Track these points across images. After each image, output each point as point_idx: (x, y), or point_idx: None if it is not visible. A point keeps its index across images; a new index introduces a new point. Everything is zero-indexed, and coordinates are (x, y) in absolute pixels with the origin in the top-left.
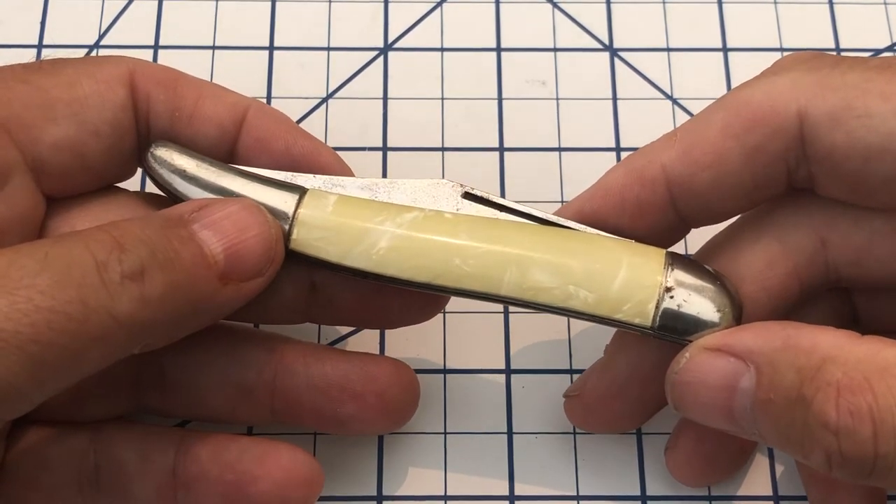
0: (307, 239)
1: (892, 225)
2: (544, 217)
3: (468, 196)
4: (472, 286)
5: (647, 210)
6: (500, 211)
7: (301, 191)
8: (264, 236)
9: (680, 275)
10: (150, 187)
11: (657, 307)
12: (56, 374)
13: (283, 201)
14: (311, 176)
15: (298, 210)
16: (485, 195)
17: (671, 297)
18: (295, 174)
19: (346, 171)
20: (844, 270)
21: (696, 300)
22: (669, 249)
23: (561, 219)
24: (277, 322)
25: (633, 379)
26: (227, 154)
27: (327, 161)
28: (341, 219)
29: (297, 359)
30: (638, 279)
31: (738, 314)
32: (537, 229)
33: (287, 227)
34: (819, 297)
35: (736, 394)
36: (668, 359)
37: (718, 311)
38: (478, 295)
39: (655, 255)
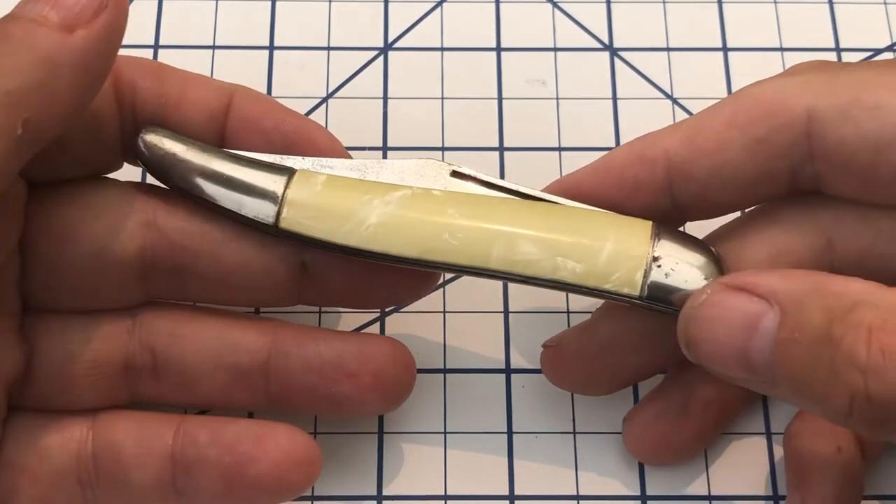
0: (296, 218)
1: None
2: (531, 193)
3: (456, 174)
4: (461, 260)
5: (643, 190)
6: (488, 188)
7: (290, 171)
8: None
9: (667, 244)
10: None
11: (645, 276)
12: None
13: (272, 182)
14: (300, 158)
15: (287, 190)
16: (472, 173)
17: (659, 267)
18: (284, 156)
19: (337, 147)
20: (849, 272)
21: (684, 269)
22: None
23: (548, 195)
24: (271, 304)
25: (611, 344)
26: (216, 137)
27: (318, 137)
28: (330, 197)
29: (290, 339)
30: (625, 249)
31: None
32: (524, 204)
33: (277, 207)
34: None
35: (756, 333)
36: (649, 332)
37: (706, 278)
38: (467, 269)
39: (642, 227)
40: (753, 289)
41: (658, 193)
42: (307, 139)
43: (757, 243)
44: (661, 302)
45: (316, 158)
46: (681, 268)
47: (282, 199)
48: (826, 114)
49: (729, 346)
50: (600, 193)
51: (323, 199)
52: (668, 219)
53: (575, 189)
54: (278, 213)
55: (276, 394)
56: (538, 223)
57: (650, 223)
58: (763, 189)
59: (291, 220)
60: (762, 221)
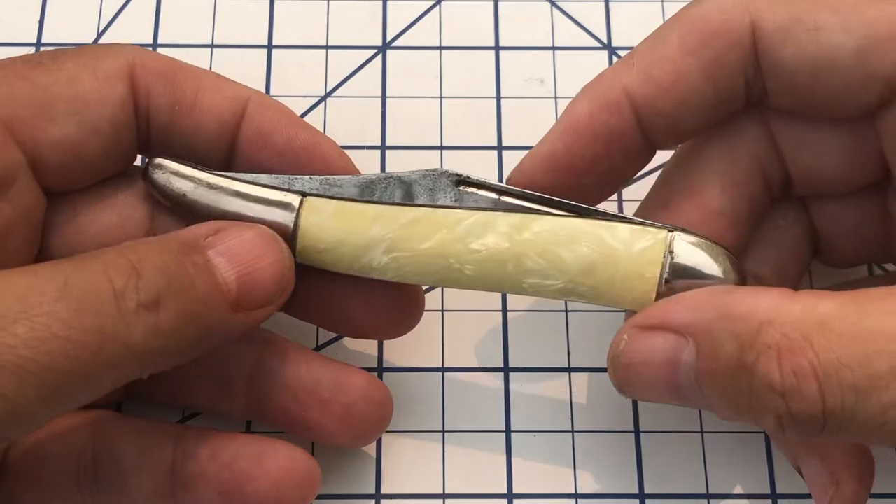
0: (310, 254)
1: (841, 130)
2: (541, 196)
3: (464, 183)
4: (474, 286)
5: (619, 137)
6: (498, 194)
7: (299, 201)
8: (278, 266)
9: (680, 263)
10: None
11: (657, 297)
12: (67, 398)
13: (282, 217)
14: (307, 177)
15: (298, 228)
16: (480, 180)
17: (670, 287)
18: (292, 177)
19: (346, 163)
20: (799, 180)
21: (697, 288)
22: (672, 226)
23: (557, 198)
24: None
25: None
26: (227, 145)
27: (328, 153)
28: (340, 233)
29: (276, 356)
30: (637, 270)
31: None
32: (533, 223)
33: (290, 242)
34: (782, 214)
35: (679, 368)
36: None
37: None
38: (482, 290)
39: (655, 243)
40: (666, 325)
41: (632, 135)
42: (318, 156)
43: (714, 162)
44: None
45: (324, 177)
46: (693, 289)
47: (293, 235)
48: (769, 32)
49: (658, 383)
50: (577, 153)
51: (334, 234)
52: (641, 155)
53: (552, 158)
54: (291, 250)
55: (254, 407)
56: (548, 247)
57: (665, 235)
58: (725, 107)
59: (305, 255)
60: (715, 141)
